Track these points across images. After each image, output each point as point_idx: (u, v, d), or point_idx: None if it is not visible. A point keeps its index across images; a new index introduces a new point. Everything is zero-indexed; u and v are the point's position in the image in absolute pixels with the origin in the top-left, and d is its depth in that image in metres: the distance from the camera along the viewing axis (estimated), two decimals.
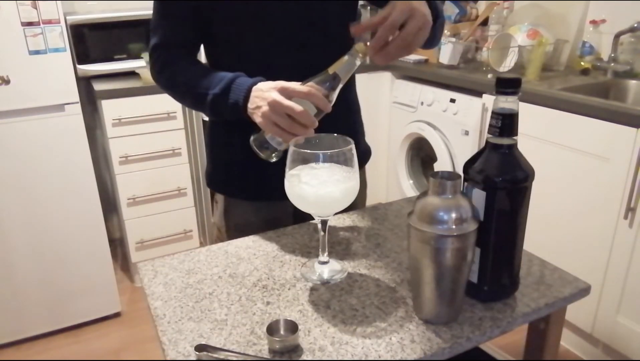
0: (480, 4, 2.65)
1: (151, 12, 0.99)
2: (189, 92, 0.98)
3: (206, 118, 2.30)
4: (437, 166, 2.39)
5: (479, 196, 0.71)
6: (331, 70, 0.83)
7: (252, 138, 0.88)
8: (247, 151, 1.05)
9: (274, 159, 0.88)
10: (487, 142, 0.72)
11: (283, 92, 0.82)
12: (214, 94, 0.92)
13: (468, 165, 0.73)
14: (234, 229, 1.10)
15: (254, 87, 0.88)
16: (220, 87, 0.92)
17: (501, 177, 0.70)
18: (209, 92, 0.93)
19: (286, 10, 0.96)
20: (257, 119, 0.85)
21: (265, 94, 0.84)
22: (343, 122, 1.08)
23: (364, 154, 1.18)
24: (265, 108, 0.82)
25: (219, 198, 1.13)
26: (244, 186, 1.09)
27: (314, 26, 0.99)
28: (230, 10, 0.95)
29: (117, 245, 2.75)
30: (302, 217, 0.91)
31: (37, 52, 1.79)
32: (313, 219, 0.82)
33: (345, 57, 0.82)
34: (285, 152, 0.78)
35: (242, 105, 0.89)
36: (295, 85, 0.83)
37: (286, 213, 1.07)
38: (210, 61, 1.07)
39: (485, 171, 0.71)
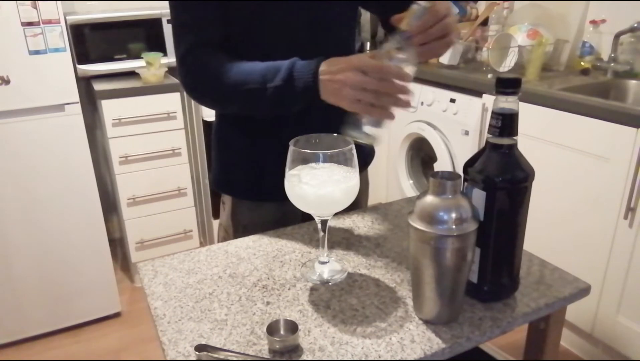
0: (480, 4, 2.65)
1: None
2: (240, 92, 0.92)
3: (207, 118, 2.31)
4: (437, 166, 2.39)
5: (479, 196, 0.71)
6: (406, 26, 0.77)
7: (346, 130, 0.82)
8: (253, 151, 1.06)
9: (374, 142, 0.83)
10: (487, 142, 0.72)
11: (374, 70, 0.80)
12: (274, 87, 0.88)
13: (468, 165, 0.73)
14: (242, 230, 1.09)
15: (322, 70, 0.85)
16: (281, 77, 0.88)
17: (501, 177, 0.70)
18: (267, 86, 0.89)
19: (290, 11, 0.95)
20: (343, 103, 0.83)
21: (338, 76, 0.81)
22: None
23: (369, 154, 1.18)
24: (349, 91, 0.80)
25: (227, 199, 1.12)
26: (251, 187, 1.08)
27: (318, 27, 0.99)
28: (235, 10, 0.95)
29: (117, 245, 2.75)
30: (310, 217, 0.91)
31: (37, 52, 1.79)
32: None
33: (414, 7, 0.78)
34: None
35: (314, 90, 0.86)
36: (373, 62, 0.79)
37: (294, 213, 1.06)
38: None
39: (485, 171, 0.71)
